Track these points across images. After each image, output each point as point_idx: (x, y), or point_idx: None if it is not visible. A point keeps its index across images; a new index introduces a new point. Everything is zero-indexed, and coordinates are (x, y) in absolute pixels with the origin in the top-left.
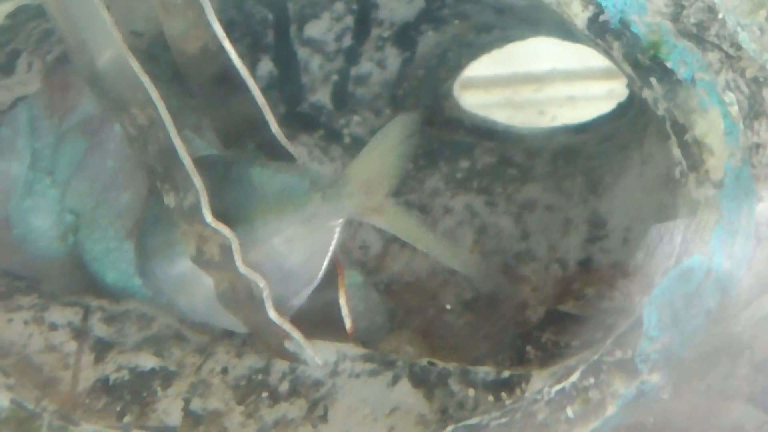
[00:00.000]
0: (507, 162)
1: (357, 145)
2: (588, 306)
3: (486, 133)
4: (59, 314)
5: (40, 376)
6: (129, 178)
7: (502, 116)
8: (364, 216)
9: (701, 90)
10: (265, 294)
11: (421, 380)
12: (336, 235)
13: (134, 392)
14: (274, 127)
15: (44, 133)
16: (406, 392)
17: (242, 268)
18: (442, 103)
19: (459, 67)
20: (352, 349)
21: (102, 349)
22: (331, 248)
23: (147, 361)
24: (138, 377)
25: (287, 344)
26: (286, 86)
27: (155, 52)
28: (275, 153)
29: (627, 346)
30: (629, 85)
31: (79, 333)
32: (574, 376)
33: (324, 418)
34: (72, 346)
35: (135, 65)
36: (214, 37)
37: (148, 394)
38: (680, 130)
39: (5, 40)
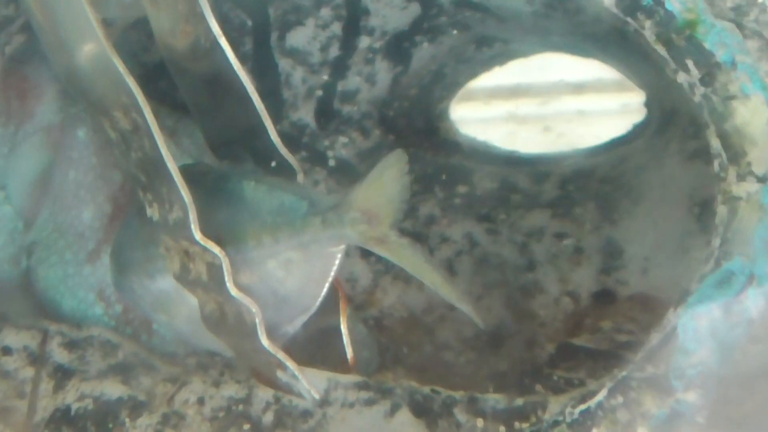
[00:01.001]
0: (510, 187)
1: (343, 168)
2: (604, 340)
3: (486, 157)
4: (14, 338)
5: None
6: (91, 192)
7: (502, 132)
8: (368, 245)
9: (743, 74)
10: (258, 320)
11: (423, 409)
12: (337, 262)
13: (99, 423)
14: (273, 135)
15: None
16: (406, 423)
17: (233, 290)
18: (437, 126)
19: (456, 85)
20: (345, 376)
21: (62, 376)
22: (331, 275)
23: (113, 389)
24: (103, 407)
25: (280, 374)
26: (265, 102)
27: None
28: (273, 164)
29: (660, 360)
30: (647, 103)
31: (37, 359)
32: (601, 395)
33: None
34: (28, 372)
35: (120, 65)
36: (207, 33)
37: (114, 425)
38: (719, 118)
39: None
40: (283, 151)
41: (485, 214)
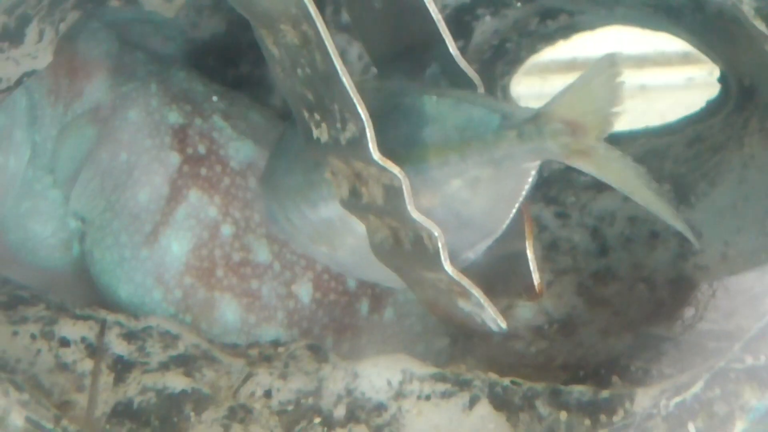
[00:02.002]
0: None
1: None
2: (684, 329)
3: None
4: (71, 328)
5: (51, 399)
6: (146, 174)
7: None
8: (570, 159)
9: None
10: (441, 244)
11: (503, 402)
12: (531, 180)
13: (163, 417)
14: (451, 45)
15: (46, 123)
16: (485, 416)
17: (414, 213)
18: None
19: (517, 61)
20: (420, 368)
21: (122, 368)
22: (524, 194)
23: (176, 382)
24: (167, 400)
25: (461, 303)
26: None
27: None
28: (450, 80)
29: (759, 351)
30: (722, 78)
31: (95, 350)
32: (697, 387)
33: None
34: (87, 364)
35: None
36: None
37: (179, 420)
38: None
39: (14, 2)
40: (463, 64)
41: (553, 196)
